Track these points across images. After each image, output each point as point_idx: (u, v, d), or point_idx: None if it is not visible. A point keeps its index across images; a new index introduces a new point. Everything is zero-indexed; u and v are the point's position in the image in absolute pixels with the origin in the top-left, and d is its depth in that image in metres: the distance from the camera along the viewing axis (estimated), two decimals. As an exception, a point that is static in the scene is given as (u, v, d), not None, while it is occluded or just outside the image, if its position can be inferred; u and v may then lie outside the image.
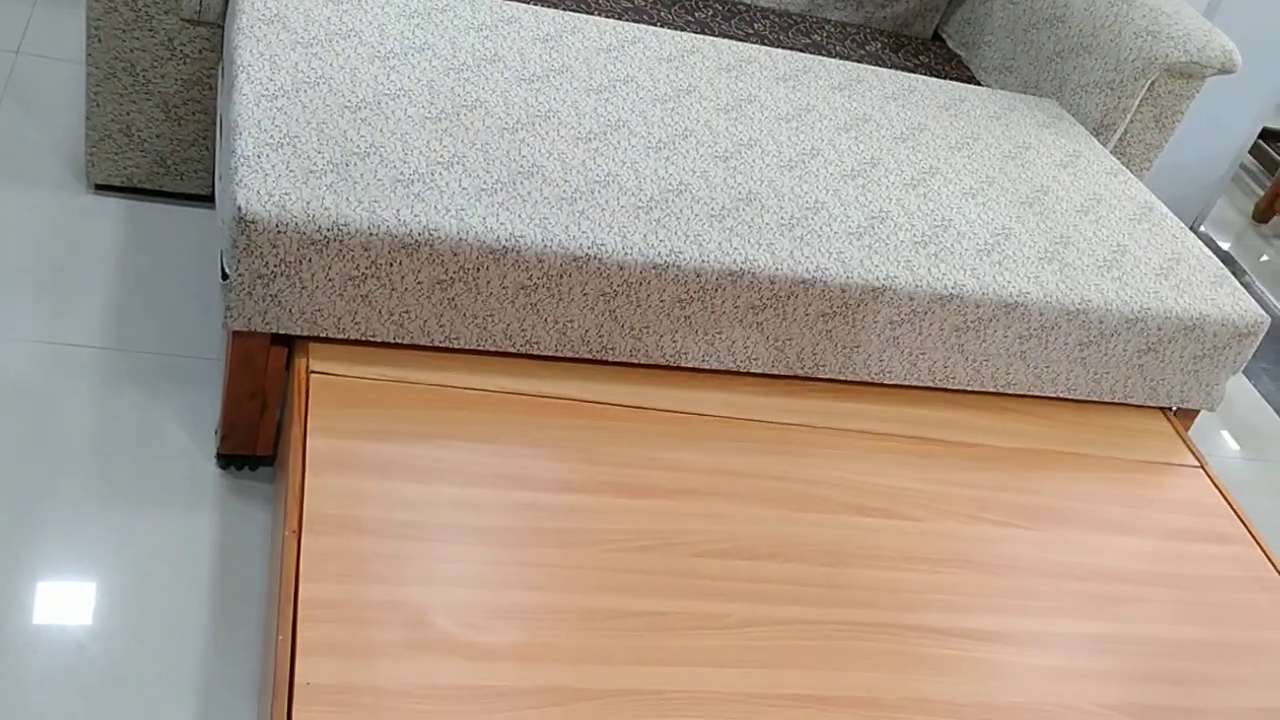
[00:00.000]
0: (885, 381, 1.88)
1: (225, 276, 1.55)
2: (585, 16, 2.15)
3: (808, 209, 1.84)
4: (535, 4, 2.29)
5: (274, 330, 1.58)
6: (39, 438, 1.72)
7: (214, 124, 2.12)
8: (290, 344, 1.63)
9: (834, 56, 2.55)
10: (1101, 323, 1.92)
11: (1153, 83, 2.40)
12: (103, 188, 2.19)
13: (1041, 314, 1.88)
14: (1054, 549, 1.75)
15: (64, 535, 1.61)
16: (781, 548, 1.58)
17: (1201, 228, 3.53)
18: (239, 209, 1.49)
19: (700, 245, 1.70)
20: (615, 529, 1.52)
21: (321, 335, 1.60)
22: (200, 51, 2.05)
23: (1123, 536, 1.82)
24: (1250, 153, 3.90)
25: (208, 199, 2.22)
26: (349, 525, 1.40)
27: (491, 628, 1.36)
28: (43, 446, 1.71)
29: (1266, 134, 3.80)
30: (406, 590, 1.36)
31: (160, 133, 2.12)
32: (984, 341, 1.88)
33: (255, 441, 1.71)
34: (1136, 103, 2.42)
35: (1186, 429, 2.14)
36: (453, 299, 1.62)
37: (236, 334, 1.60)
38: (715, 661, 1.41)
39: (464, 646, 1.33)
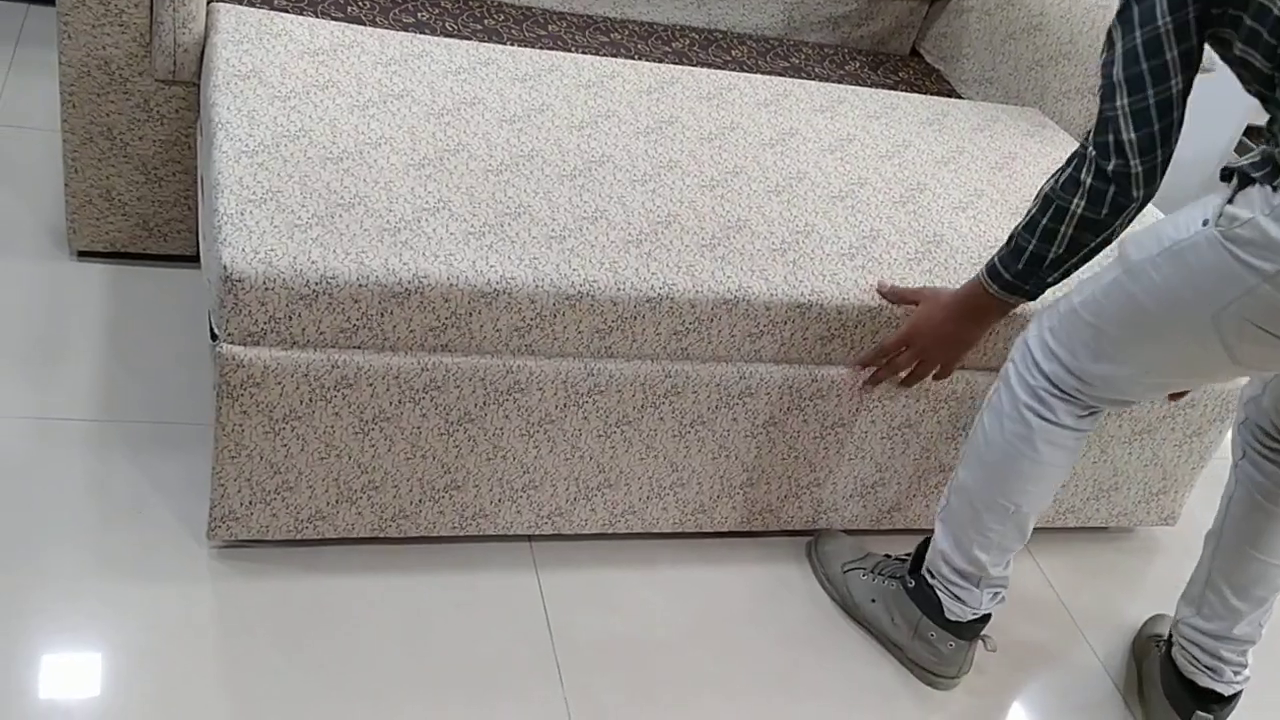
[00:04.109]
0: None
1: (214, 337, 1.53)
2: (562, 54, 2.13)
3: (798, 233, 1.82)
4: (512, 45, 2.28)
5: (266, 388, 1.56)
6: (31, 514, 1.69)
7: (195, 183, 2.10)
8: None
9: (814, 79, 2.54)
10: (1102, 329, 1.90)
11: (1135, 86, 2.39)
12: (85, 254, 2.16)
13: (1041, 324, 1.86)
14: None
15: (61, 612, 1.58)
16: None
17: (1191, 227, 3.52)
18: (225, 268, 1.47)
19: (693, 276, 1.67)
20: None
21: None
22: (177, 111, 2.04)
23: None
24: (1235, 151, 3.89)
25: (193, 259, 2.20)
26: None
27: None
28: (35, 523, 1.68)
29: (1251, 131, 3.79)
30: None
31: (141, 195, 2.10)
32: (983, 353, 1.86)
33: (253, 502, 1.68)
34: (1120, 106, 2.41)
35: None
36: (445, 345, 1.59)
37: (228, 394, 1.57)
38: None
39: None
